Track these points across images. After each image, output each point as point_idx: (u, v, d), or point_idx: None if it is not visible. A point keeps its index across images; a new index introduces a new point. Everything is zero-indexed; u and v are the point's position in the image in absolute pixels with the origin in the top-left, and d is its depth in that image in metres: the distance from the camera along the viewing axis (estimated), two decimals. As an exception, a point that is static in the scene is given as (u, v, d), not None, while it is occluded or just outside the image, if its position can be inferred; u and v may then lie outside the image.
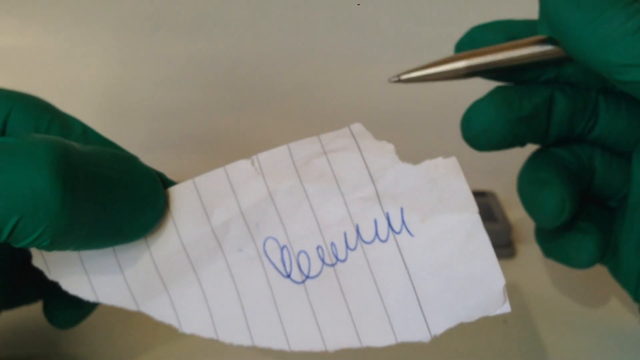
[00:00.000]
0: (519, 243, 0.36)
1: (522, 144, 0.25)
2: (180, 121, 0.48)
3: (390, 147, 0.21)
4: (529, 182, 0.25)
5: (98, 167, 0.20)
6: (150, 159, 0.45)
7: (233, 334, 0.21)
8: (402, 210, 0.20)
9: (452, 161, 0.20)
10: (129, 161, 0.21)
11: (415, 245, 0.20)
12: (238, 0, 0.49)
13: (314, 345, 0.20)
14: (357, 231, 0.20)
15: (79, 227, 0.19)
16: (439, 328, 0.20)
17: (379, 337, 0.20)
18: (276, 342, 0.21)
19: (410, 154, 0.46)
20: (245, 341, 0.21)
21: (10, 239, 0.19)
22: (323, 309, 0.20)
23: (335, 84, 0.48)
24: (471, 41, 0.25)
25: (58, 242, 0.19)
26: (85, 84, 0.49)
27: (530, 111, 0.24)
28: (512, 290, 0.32)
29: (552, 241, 0.26)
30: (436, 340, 0.28)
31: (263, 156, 0.21)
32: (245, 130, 0.47)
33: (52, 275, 0.22)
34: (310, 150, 0.21)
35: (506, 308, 0.20)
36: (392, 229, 0.20)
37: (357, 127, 0.21)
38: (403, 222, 0.20)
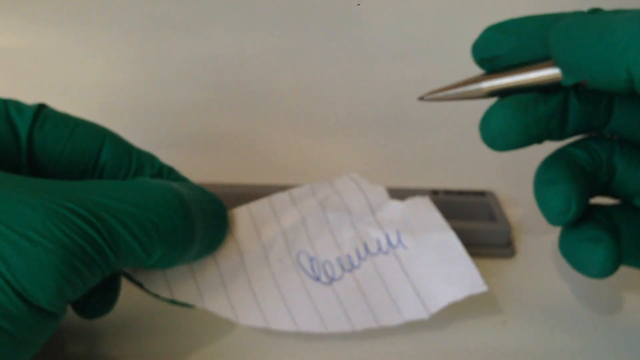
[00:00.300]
0: (518, 243, 0.36)
1: (539, 141, 0.25)
2: (180, 121, 0.48)
3: (382, 188, 0.29)
4: (539, 182, 0.26)
5: (196, 201, 0.25)
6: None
7: (281, 323, 0.26)
8: (397, 231, 0.28)
9: (426, 199, 0.29)
10: (205, 191, 0.27)
11: (409, 254, 0.28)
12: (238, 0, 0.49)
13: (344, 327, 0.26)
14: (365, 246, 0.28)
15: (192, 250, 0.25)
16: (434, 307, 0.27)
17: (391, 319, 0.26)
18: (316, 327, 0.26)
19: (410, 153, 0.47)
20: (291, 327, 0.26)
21: (154, 264, 0.24)
22: (348, 301, 0.27)
23: (335, 84, 0.48)
24: (487, 43, 0.25)
25: (179, 263, 0.25)
26: (85, 84, 0.49)
27: (545, 113, 0.24)
28: (511, 290, 0.32)
29: (572, 252, 0.26)
30: (436, 340, 0.28)
31: (296, 191, 0.29)
32: (245, 130, 0.47)
33: (138, 277, 0.27)
34: (327, 190, 0.29)
35: (484, 288, 0.27)
36: (391, 244, 0.28)
37: (355, 175, 0.30)
38: (399, 239, 0.28)
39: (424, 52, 0.46)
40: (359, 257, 0.27)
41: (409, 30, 0.47)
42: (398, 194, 0.37)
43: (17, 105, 0.26)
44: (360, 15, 0.47)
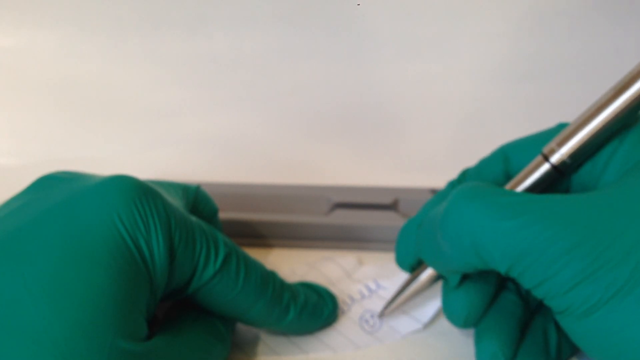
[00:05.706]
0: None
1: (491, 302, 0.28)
2: (180, 121, 0.48)
3: (353, 258, 0.35)
4: (446, 288, 0.28)
5: None
6: (151, 159, 0.46)
7: (315, 349, 0.30)
8: (375, 279, 0.33)
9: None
10: None
11: (390, 292, 0.33)
12: (238, 0, 0.49)
13: (352, 347, 0.30)
14: (350, 297, 0.32)
15: None
16: (424, 318, 0.31)
17: (389, 337, 0.30)
18: (324, 351, 0.30)
19: (408, 152, 0.46)
20: (326, 350, 0.30)
21: None
22: (356, 331, 0.31)
23: (335, 83, 0.48)
24: (478, 173, 0.29)
25: None
26: (84, 83, 0.49)
27: (489, 291, 0.27)
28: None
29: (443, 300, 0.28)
30: (435, 342, 0.28)
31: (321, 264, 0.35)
32: (245, 130, 0.47)
33: None
34: (305, 268, 0.35)
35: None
36: (371, 290, 0.33)
37: (327, 258, 0.35)
38: (377, 284, 0.33)
39: (424, 52, 0.46)
40: (347, 304, 0.32)
41: (409, 30, 0.47)
42: (398, 193, 0.37)
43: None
44: (360, 15, 0.47)
